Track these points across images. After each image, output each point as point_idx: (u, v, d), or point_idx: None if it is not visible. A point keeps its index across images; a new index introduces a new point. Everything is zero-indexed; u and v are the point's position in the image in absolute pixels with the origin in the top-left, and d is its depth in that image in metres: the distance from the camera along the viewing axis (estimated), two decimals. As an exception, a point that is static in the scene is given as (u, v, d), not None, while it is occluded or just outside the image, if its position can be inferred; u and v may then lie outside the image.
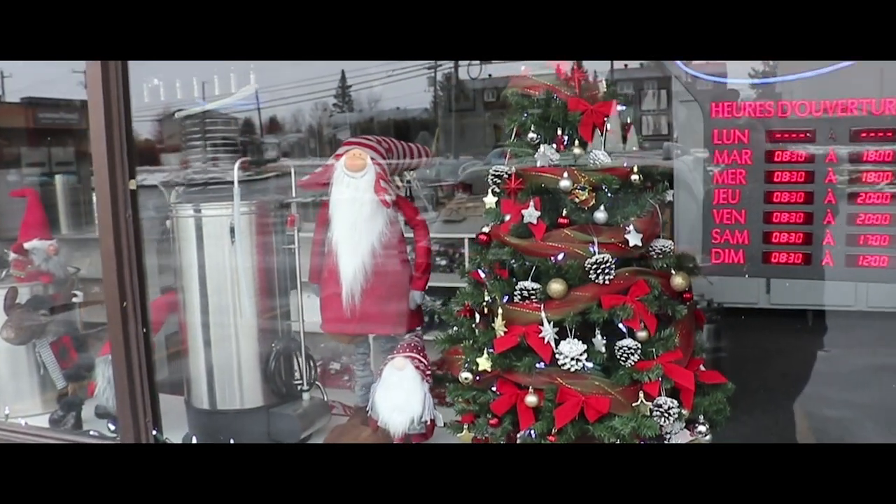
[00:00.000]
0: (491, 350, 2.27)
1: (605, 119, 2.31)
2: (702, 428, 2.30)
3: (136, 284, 2.60)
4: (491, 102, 10.79)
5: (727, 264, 2.06)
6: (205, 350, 2.90)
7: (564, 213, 2.26)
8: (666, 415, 2.18)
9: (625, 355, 2.20)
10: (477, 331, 2.39)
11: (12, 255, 3.31)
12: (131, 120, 2.59)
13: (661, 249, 2.34)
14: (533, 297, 2.25)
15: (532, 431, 2.27)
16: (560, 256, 2.24)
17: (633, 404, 2.19)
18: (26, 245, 3.28)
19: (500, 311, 2.26)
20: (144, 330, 2.67)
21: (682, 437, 2.30)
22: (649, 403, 2.18)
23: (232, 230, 2.74)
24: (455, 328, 2.54)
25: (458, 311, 2.54)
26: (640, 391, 2.19)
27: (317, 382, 3.03)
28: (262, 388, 2.92)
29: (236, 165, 2.70)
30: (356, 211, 2.60)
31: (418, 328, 2.73)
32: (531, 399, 2.20)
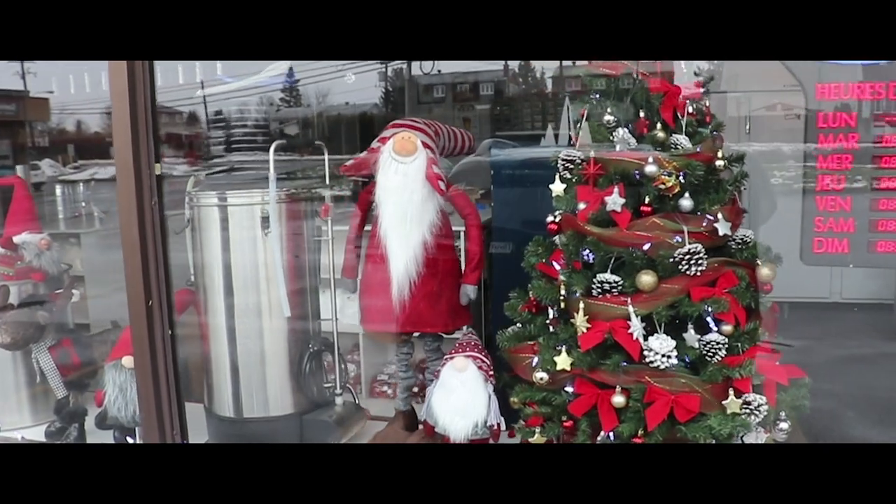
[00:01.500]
0: (572, 348, 2.14)
1: (686, 102, 2.21)
2: (783, 425, 2.23)
3: (162, 280, 2.38)
4: (461, 95, 10.78)
5: (830, 254, 1.99)
6: (230, 353, 2.70)
7: (647, 200, 2.14)
8: (755, 412, 2.10)
9: (712, 351, 2.11)
10: (551, 327, 2.25)
11: (0, 251, 3.01)
12: (156, 99, 2.37)
13: (741, 239, 2.26)
14: (614, 290, 2.14)
15: (612, 434, 2.16)
16: (646, 246, 2.12)
17: (723, 402, 2.10)
18: (15, 239, 3.00)
19: (581, 305, 2.13)
20: (170, 331, 2.44)
21: (757, 435, 2.22)
22: (739, 400, 2.09)
23: (265, 220, 2.53)
24: (519, 325, 2.41)
25: (522, 306, 2.41)
26: (731, 388, 2.09)
27: (348, 385, 2.84)
28: (293, 394, 2.72)
29: (272, 148, 2.50)
30: (406, 199, 2.45)
31: (468, 325, 2.58)
32: (618, 399, 2.10)
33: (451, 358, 2.39)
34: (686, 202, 2.15)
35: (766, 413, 2.13)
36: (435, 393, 2.41)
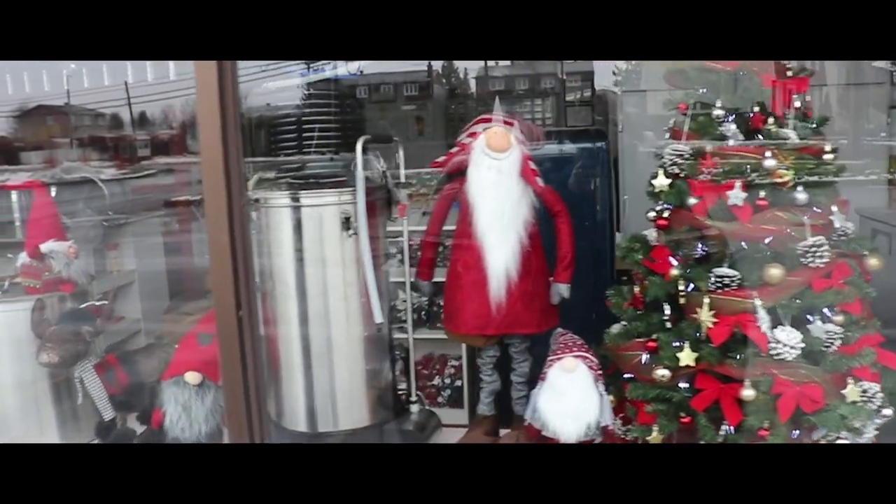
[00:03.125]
0: (700, 343, 2.20)
1: (794, 96, 2.30)
2: (888, 412, 2.35)
3: (252, 289, 2.28)
4: (384, 96, 10.92)
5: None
6: (304, 364, 2.62)
7: (762, 194, 2.22)
8: (871, 400, 2.22)
9: (829, 340, 2.21)
10: (668, 324, 2.31)
11: (25, 260, 2.81)
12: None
13: (843, 230, 2.37)
14: (732, 284, 2.21)
15: (731, 428, 2.23)
16: (767, 240, 2.21)
17: (843, 391, 2.20)
18: (43, 247, 2.80)
19: (706, 301, 2.19)
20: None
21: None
22: (858, 388, 2.20)
23: (347, 220, 2.48)
24: (627, 322, 2.46)
25: (627, 303, 2.46)
26: (850, 377, 2.20)
27: (418, 392, 2.82)
28: (370, 404, 2.67)
29: (359, 144, 2.45)
30: (503, 196, 2.47)
31: (558, 326, 2.60)
32: (748, 393, 2.18)
33: (559, 359, 2.40)
34: (801, 195, 2.25)
35: (881, 400, 2.25)
36: (542, 395, 2.41)
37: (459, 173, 2.60)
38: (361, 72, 10.03)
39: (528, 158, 2.52)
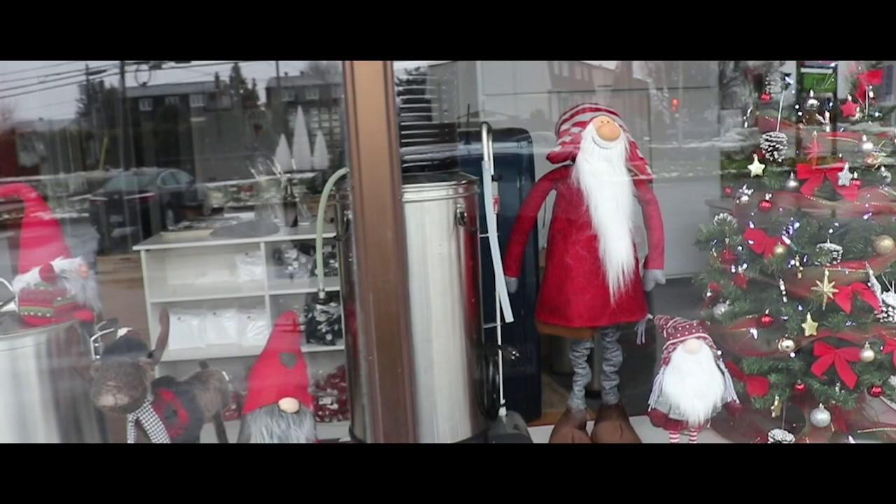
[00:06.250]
0: (827, 313, 2.50)
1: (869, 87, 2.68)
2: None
3: (408, 306, 2.18)
4: (171, 108, 10.55)
5: None
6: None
7: (855, 175, 2.58)
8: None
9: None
10: (785, 298, 2.58)
11: (31, 283, 2.34)
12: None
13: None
14: (837, 257, 2.54)
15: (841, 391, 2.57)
16: (866, 216, 2.56)
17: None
18: (55, 266, 2.34)
19: (826, 273, 2.49)
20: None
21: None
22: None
23: (462, 216, 2.41)
24: (733, 302, 2.69)
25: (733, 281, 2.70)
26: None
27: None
28: (471, 414, 2.62)
29: (484, 131, 2.40)
30: (616, 184, 2.58)
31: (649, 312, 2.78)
32: (868, 354, 2.51)
33: (681, 342, 2.55)
34: (888, 174, 2.63)
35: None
36: (668, 379, 2.55)
37: (560, 164, 2.65)
38: (146, 83, 9.50)
39: (635, 146, 2.64)
